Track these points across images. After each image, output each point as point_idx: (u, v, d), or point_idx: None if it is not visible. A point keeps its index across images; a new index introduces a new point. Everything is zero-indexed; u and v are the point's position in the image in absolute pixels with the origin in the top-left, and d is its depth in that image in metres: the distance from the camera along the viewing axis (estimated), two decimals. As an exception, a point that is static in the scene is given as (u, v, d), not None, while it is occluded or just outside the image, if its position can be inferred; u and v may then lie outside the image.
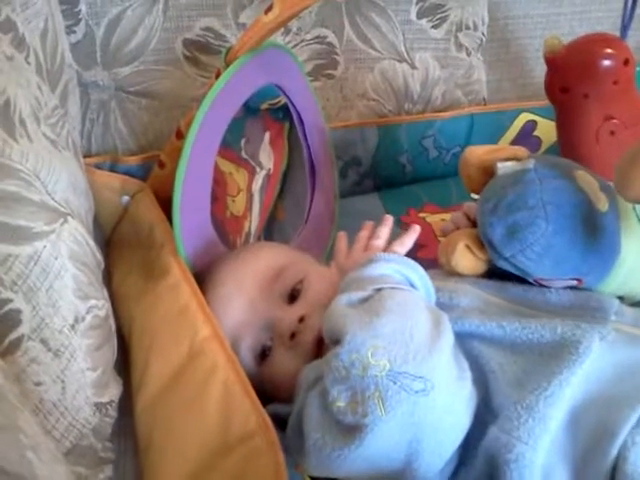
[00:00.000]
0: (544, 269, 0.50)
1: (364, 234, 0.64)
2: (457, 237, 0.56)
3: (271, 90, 0.74)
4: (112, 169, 0.76)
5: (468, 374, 0.44)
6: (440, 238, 0.82)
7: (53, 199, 0.46)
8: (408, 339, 0.42)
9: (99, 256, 0.53)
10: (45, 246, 0.44)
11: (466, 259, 0.55)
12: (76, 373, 0.45)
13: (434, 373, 0.41)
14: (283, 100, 0.78)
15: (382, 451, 0.41)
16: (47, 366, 0.42)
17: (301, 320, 0.53)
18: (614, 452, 0.41)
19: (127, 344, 0.56)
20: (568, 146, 0.76)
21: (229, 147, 0.74)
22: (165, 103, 0.82)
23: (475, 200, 0.62)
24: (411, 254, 0.60)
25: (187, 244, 0.58)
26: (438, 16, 0.96)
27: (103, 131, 0.80)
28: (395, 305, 0.45)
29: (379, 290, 0.48)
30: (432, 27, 0.97)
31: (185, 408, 0.47)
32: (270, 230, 0.86)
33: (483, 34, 1.02)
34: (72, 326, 0.45)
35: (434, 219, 0.89)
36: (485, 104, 1.06)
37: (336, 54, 0.91)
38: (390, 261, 0.52)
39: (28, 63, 0.54)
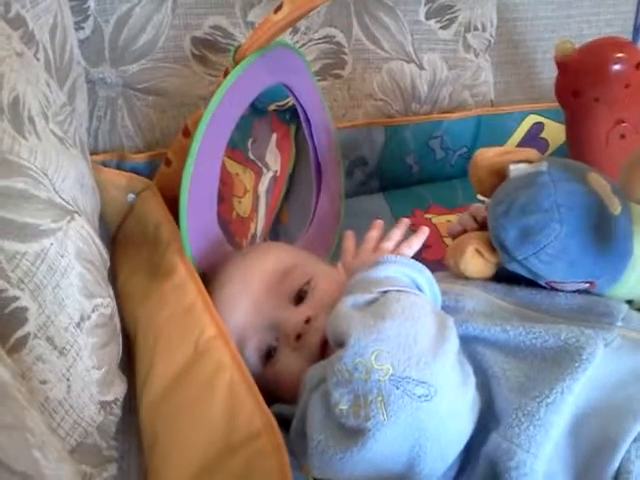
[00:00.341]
0: (557, 272, 0.50)
1: (374, 234, 0.64)
2: (467, 240, 0.55)
3: (279, 91, 0.74)
4: (119, 167, 0.76)
5: (472, 379, 0.44)
6: (446, 239, 0.82)
7: (60, 197, 0.46)
8: (412, 344, 0.42)
9: (105, 254, 0.53)
10: (52, 244, 0.44)
11: (475, 262, 0.55)
12: (81, 371, 0.45)
13: (438, 379, 0.41)
14: (290, 102, 0.78)
15: (384, 455, 0.41)
16: (53, 364, 0.42)
17: (307, 321, 0.53)
18: (616, 462, 0.41)
19: (132, 343, 0.56)
20: (578, 149, 0.75)
21: (236, 148, 0.74)
22: (173, 101, 0.82)
23: (481, 201, 0.62)
24: (416, 255, 0.60)
25: (193, 243, 0.58)
26: (447, 17, 0.96)
27: (110, 128, 0.80)
28: (400, 309, 0.45)
29: (385, 293, 0.48)
30: (441, 28, 0.96)
31: (190, 407, 0.47)
32: (275, 232, 0.86)
33: (491, 35, 1.02)
34: (78, 324, 0.45)
35: (440, 220, 0.89)
36: (492, 106, 1.06)
37: (344, 54, 0.91)
38: (397, 263, 0.51)
39: (37, 59, 0.54)
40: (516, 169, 0.54)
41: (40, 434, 0.33)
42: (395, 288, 0.48)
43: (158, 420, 0.48)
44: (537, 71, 1.10)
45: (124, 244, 0.68)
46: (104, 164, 0.74)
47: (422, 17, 0.95)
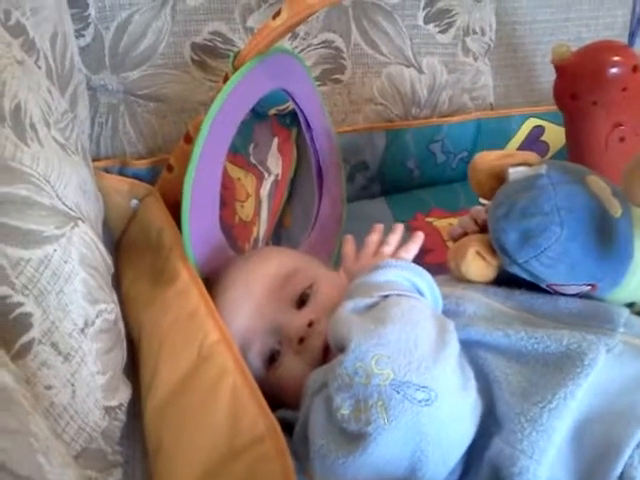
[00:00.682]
0: (558, 275, 0.50)
1: (374, 238, 0.64)
2: (467, 243, 0.55)
3: (279, 96, 0.74)
4: (121, 173, 0.76)
5: (473, 383, 0.44)
6: (448, 242, 0.82)
7: (63, 203, 0.46)
8: (413, 348, 0.42)
9: (109, 260, 0.53)
10: (56, 250, 0.44)
11: (476, 265, 0.55)
12: (86, 377, 0.45)
13: (438, 383, 0.41)
14: (291, 106, 0.78)
15: (386, 460, 0.41)
16: (57, 370, 0.43)
17: (310, 325, 0.53)
18: (619, 468, 0.41)
19: (136, 348, 0.56)
20: (577, 153, 0.75)
21: (238, 153, 0.75)
22: (173, 107, 0.82)
23: (483, 204, 0.62)
24: (418, 258, 0.60)
25: (196, 248, 0.58)
26: (445, 21, 0.97)
27: (112, 135, 0.80)
28: (401, 313, 0.45)
29: (385, 297, 0.48)
30: (439, 32, 0.97)
31: (194, 412, 0.47)
32: (278, 236, 0.86)
33: (490, 39, 1.02)
34: (82, 330, 0.45)
35: (441, 223, 0.89)
36: (492, 109, 1.06)
37: (343, 59, 0.92)
38: (397, 267, 0.52)
39: (38, 67, 0.54)
40: (515, 172, 0.54)
41: (44, 439, 0.33)
42: (395, 292, 0.48)
43: (162, 425, 0.48)
44: (537, 74, 1.10)
45: (127, 250, 0.68)
46: (106, 170, 0.74)
47: (421, 21, 0.95)
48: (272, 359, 0.54)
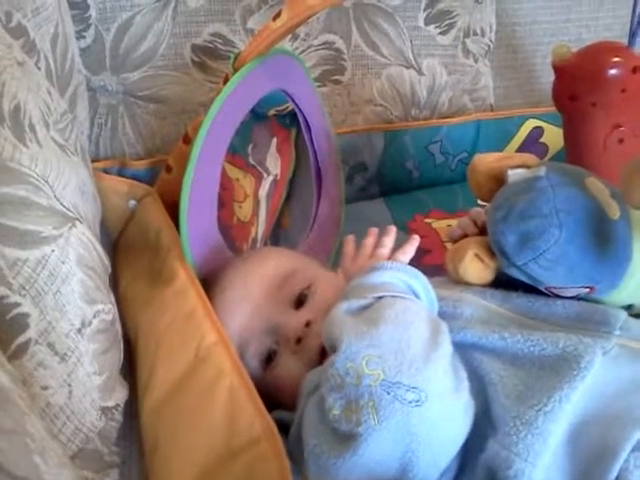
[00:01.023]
0: (556, 277, 0.50)
1: (370, 241, 0.64)
2: (466, 245, 0.55)
3: (278, 96, 0.74)
4: (120, 173, 0.77)
5: (465, 385, 0.44)
6: (446, 244, 0.82)
7: (61, 204, 0.47)
8: (404, 349, 0.42)
9: (106, 261, 0.53)
10: (53, 250, 0.44)
11: (474, 267, 0.55)
12: (82, 377, 0.45)
13: (429, 384, 0.41)
14: (290, 106, 0.79)
15: (377, 460, 0.41)
16: (54, 370, 0.43)
17: (307, 325, 0.53)
18: (614, 472, 0.41)
19: (133, 348, 0.56)
20: (575, 154, 0.75)
21: (236, 153, 0.75)
22: (173, 108, 0.82)
23: (482, 206, 0.62)
24: (417, 260, 0.60)
25: (194, 249, 0.59)
26: (446, 22, 0.97)
27: (111, 135, 0.80)
28: (394, 314, 0.45)
29: (380, 298, 0.48)
30: (440, 33, 0.97)
31: (191, 413, 0.47)
32: (276, 236, 0.86)
33: (491, 40, 1.02)
34: (79, 330, 0.45)
35: (440, 225, 0.89)
36: (492, 110, 1.06)
37: (343, 60, 0.92)
38: (393, 269, 0.52)
39: (38, 68, 0.54)
40: (514, 174, 0.54)
41: (40, 439, 0.33)
42: (390, 294, 0.48)
43: (159, 425, 0.49)
44: (536, 75, 1.10)
45: (125, 250, 0.68)
46: (105, 171, 0.74)
47: (421, 23, 0.95)
48: (269, 359, 0.54)
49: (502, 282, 0.55)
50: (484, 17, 1.00)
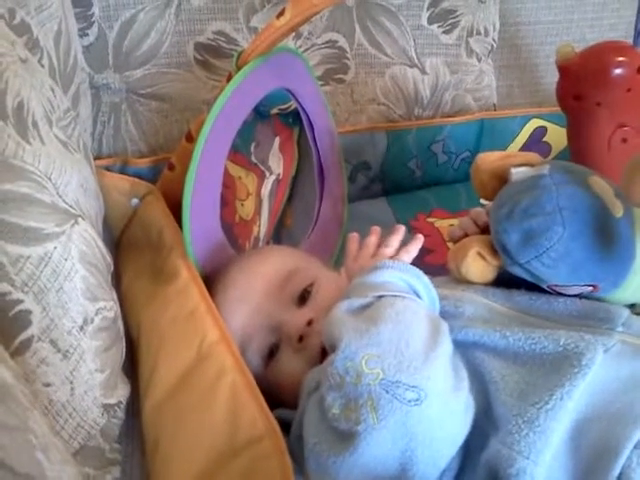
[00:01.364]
0: (559, 275, 0.50)
1: (372, 240, 0.64)
2: (468, 244, 0.55)
3: (281, 95, 0.74)
4: (122, 171, 0.77)
5: (465, 384, 0.44)
6: (448, 243, 0.82)
7: (64, 201, 0.47)
8: (403, 348, 0.42)
9: (109, 258, 0.53)
10: (56, 247, 0.44)
11: (477, 266, 0.55)
12: (85, 374, 0.45)
13: (428, 383, 0.41)
14: (293, 105, 0.78)
15: (376, 459, 0.41)
16: (56, 367, 0.43)
17: (309, 323, 0.53)
18: (617, 469, 0.41)
19: (135, 346, 0.56)
20: (579, 153, 0.75)
21: (239, 151, 0.75)
22: (176, 106, 0.82)
23: (484, 205, 0.62)
24: (419, 259, 0.60)
25: (196, 247, 0.58)
26: (449, 22, 0.96)
27: (114, 133, 0.80)
28: (394, 313, 0.45)
29: (380, 297, 0.48)
30: (443, 33, 0.97)
31: (193, 411, 0.47)
32: (279, 235, 0.86)
33: (494, 40, 1.02)
34: (81, 327, 0.45)
35: (443, 224, 0.89)
36: (495, 110, 1.06)
37: (347, 59, 0.92)
38: (395, 269, 0.52)
39: (42, 65, 0.54)
40: (518, 172, 0.54)
41: (43, 436, 0.33)
42: (391, 293, 0.48)
43: (161, 423, 0.49)
44: (540, 75, 1.10)
45: (128, 248, 0.68)
46: (108, 169, 0.74)
47: (425, 22, 0.95)
48: (271, 354, 0.54)
49: (504, 281, 0.55)
50: (487, 16, 1.00)
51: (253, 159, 0.78)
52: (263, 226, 0.79)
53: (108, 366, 0.48)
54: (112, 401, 0.48)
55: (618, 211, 0.49)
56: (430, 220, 0.90)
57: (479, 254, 0.55)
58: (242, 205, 0.74)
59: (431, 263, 0.78)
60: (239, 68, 0.63)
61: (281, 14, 0.61)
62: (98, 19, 0.76)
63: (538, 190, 0.50)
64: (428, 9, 0.94)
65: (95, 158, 0.68)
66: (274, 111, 0.80)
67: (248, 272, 0.58)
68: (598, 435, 0.42)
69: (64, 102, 0.56)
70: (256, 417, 0.45)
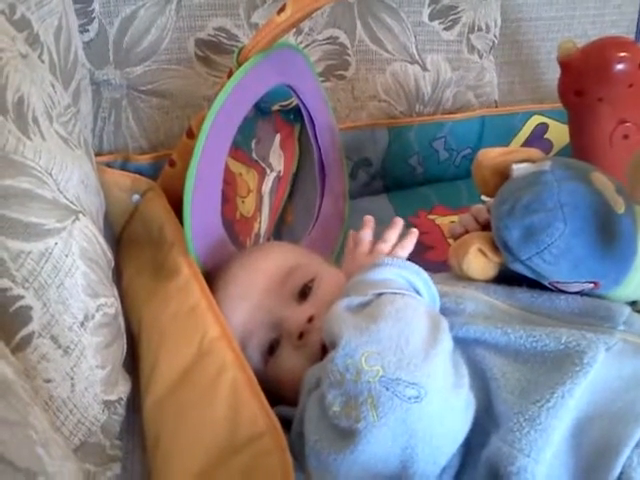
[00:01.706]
0: (561, 272, 0.50)
1: (367, 236, 0.64)
2: (470, 240, 0.55)
3: (282, 91, 0.74)
4: (123, 168, 0.76)
5: (465, 381, 0.44)
6: (449, 240, 0.82)
7: (65, 197, 0.46)
8: (403, 345, 0.42)
9: (109, 254, 0.53)
10: (56, 243, 0.44)
11: (478, 262, 0.55)
12: (85, 370, 0.45)
13: (428, 380, 0.41)
14: (294, 102, 0.78)
15: (377, 457, 0.41)
16: (57, 363, 0.43)
17: (310, 320, 0.53)
18: (618, 468, 0.41)
19: (136, 342, 0.56)
20: (581, 149, 0.75)
21: (240, 148, 0.75)
22: (177, 102, 0.82)
23: (485, 202, 0.62)
24: (420, 256, 0.60)
25: (197, 244, 0.58)
26: (450, 18, 0.96)
27: (115, 130, 0.80)
28: (394, 311, 0.45)
29: (380, 295, 0.48)
30: (444, 29, 0.96)
31: (193, 407, 0.47)
32: (279, 232, 0.86)
33: (495, 36, 1.02)
34: (82, 323, 0.45)
35: (444, 221, 0.89)
36: (496, 106, 1.06)
37: (348, 55, 0.92)
38: (394, 266, 0.51)
39: (42, 61, 0.54)
40: (519, 169, 0.53)
41: (43, 431, 0.33)
42: (390, 290, 0.48)
43: (161, 419, 0.49)
44: (541, 71, 1.10)
45: (129, 244, 0.68)
46: (108, 165, 0.74)
47: (426, 18, 0.95)
48: (271, 351, 0.54)
49: (506, 277, 0.55)
50: (489, 13, 1.00)
51: (254, 156, 0.78)
52: (264, 223, 0.79)
53: (109, 362, 0.48)
54: (113, 397, 0.48)
55: (620, 207, 0.49)
56: (431, 217, 0.90)
57: (480, 251, 0.54)
58: (243, 202, 0.74)
59: (432, 260, 0.78)
60: (240, 64, 0.62)
61: (282, 10, 0.61)
62: (98, 15, 0.76)
63: (539, 186, 0.50)
64: (429, 5, 0.94)
65: (96, 154, 0.68)
66: (275, 107, 0.80)
67: (249, 268, 0.58)
68: (599, 433, 0.42)
69: (65, 98, 0.56)
70: (257, 414, 0.45)
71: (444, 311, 0.51)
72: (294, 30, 0.85)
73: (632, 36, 0.92)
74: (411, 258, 0.59)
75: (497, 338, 0.48)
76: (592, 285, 0.51)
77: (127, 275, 0.64)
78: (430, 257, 0.79)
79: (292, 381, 0.51)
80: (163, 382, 0.49)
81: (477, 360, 0.47)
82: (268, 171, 0.81)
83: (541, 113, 1.01)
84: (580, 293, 0.52)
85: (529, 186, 0.51)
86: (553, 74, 0.76)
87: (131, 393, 0.52)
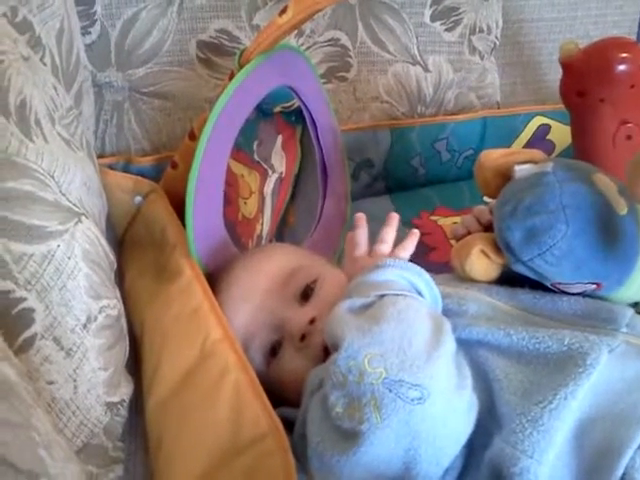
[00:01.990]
0: (563, 273, 0.50)
1: (362, 237, 0.63)
2: (472, 241, 0.55)
3: (284, 93, 0.74)
4: (125, 170, 0.77)
5: (468, 382, 0.44)
6: (451, 241, 0.82)
7: (67, 199, 0.47)
8: (406, 347, 0.42)
9: (112, 256, 0.53)
10: (59, 245, 0.44)
11: (481, 263, 0.55)
12: (88, 372, 0.45)
13: (431, 381, 0.41)
14: (296, 103, 0.78)
15: (380, 458, 0.41)
16: (59, 365, 0.43)
17: (312, 322, 0.53)
18: (620, 470, 0.41)
19: (139, 344, 0.56)
20: (583, 150, 0.75)
21: (241, 149, 0.75)
22: (179, 104, 0.82)
23: (487, 203, 0.62)
24: (422, 257, 0.60)
25: (199, 245, 0.58)
26: (452, 19, 0.96)
27: (117, 132, 0.80)
28: (396, 312, 0.45)
29: (382, 296, 0.48)
30: (446, 30, 0.96)
31: (196, 409, 0.47)
32: (281, 233, 0.86)
33: (497, 37, 1.02)
34: (84, 325, 0.45)
35: (446, 222, 0.89)
36: (498, 107, 1.06)
37: (349, 56, 0.92)
38: (396, 267, 0.51)
39: (44, 64, 0.54)
40: (521, 170, 0.53)
41: (46, 433, 0.33)
42: (392, 292, 0.48)
43: (164, 421, 0.49)
44: (543, 72, 1.10)
45: (131, 246, 0.68)
46: (111, 167, 0.74)
47: (427, 19, 0.95)
48: (273, 352, 0.54)
49: (508, 279, 0.55)
50: (490, 14, 1.00)
51: (256, 157, 0.78)
52: (266, 224, 0.79)
53: (111, 364, 0.48)
54: (115, 399, 0.48)
55: (622, 208, 0.49)
56: (433, 218, 0.90)
57: (483, 252, 0.54)
58: (245, 203, 0.74)
59: (434, 261, 0.78)
60: (241, 66, 0.63)
61: (283, 12, 0.61)
62: (100, 17, 0.77)
63: (541, 188, 0.50)
64: (431, 6, 0.94)
65: (98, 157, 0.68)
66: (277, 109, 0.80)
67: (251, 270, 0.58)
68: (602, 435, 0.42)
69: (67, 100, 0.56)
70: (259, 415, 0.45)
71: (447, 312, 0.51)
72: (296, 32, 0.85)
73: (634, 37, 0.92)
74: (413, 259, 0.59)
75: (500, 339, 0.47)
76: (594, 286, 0.51)
77: (129, 277, 0.64)
78: (432, 258, 0.79)
79: (294, 382, 0.51)
80: (165, 384, 0.49)
81: (480, 361, 0.47)
82: (270, 172, 0.81)
83: (543, 114, 1.01)
84: (582, 295, 0.52)
85: (531, 187, 0.51)
86: (555, 75, 0.76)
87: (133, 395, 0.52)
